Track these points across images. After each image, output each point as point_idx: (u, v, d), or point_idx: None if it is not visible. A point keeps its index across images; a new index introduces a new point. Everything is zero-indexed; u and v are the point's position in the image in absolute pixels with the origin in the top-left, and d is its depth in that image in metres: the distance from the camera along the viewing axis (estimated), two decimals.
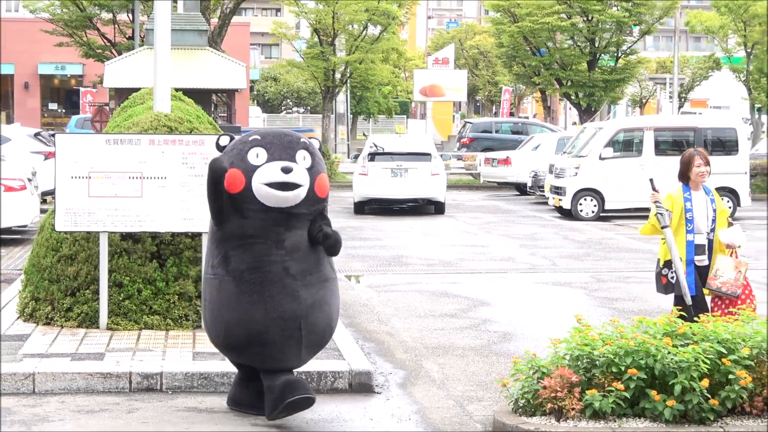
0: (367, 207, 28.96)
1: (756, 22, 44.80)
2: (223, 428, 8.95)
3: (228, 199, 8.66)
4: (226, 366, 10.03)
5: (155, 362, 10.30)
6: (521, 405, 8.84)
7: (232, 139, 8.96)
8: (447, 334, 13.00)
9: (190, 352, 10.75)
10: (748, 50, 46.34)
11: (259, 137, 8.85)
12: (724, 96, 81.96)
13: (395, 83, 65.73)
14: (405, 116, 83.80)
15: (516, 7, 44.45)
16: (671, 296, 14.97)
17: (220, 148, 8.90)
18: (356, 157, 41.73)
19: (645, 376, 8.54)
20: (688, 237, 10.59)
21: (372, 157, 28.86)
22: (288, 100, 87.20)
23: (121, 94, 29.30)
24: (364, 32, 46.25)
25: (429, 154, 28.86)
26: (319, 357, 10.28)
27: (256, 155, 8.65)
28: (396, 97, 79.36)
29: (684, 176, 10.91)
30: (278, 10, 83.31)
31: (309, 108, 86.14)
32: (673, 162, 28.83)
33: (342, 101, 58.49)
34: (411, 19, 72.19)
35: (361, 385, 10.16)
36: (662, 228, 10.47)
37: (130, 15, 41.44)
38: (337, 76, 46.32)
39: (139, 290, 11.76)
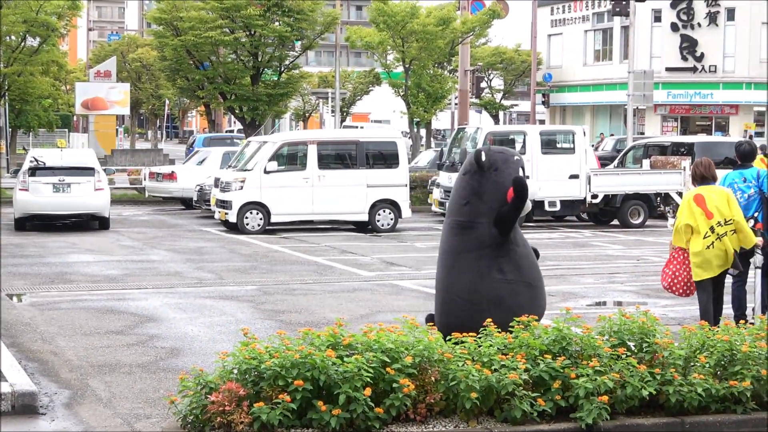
0: (29, 223, 28.11)
1: (413, 39, 46.30)
2: None
3: None
4: None
5: None
6: (190, 421, 8.80)
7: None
8: (113, 352, 12.80)
9: None
10: (406, 66, 47.84)
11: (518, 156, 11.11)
12: (384, 110, 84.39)
13: (56, 96, 64.05)
14: (67, 130, 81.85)
15: (179, 21, 44.18)
16: (341, 307, 15.45)
17: (481, 165, 10.67)
18: (16, 172, 40.40)
19: (311, 387, 8.67)
20: None
21: (33, 171, 28.06)
22: None
23: None
24: (23, 44, 44.88)
25: (92, 169, 28.33)
26: None
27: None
28: (57, 110, 77.39)
29: (712, 177, 13.05)
30: None
31: None
32: (337, 175, 29.50)
33: None
34: (72, 31, 70.51)
35: (25, 407, 9.86)
36: None
37: None
38: None
39: None
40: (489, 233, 10.58)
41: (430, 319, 10.96)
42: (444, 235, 10.89)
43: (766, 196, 13.68)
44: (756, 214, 13.71)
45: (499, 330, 9.69)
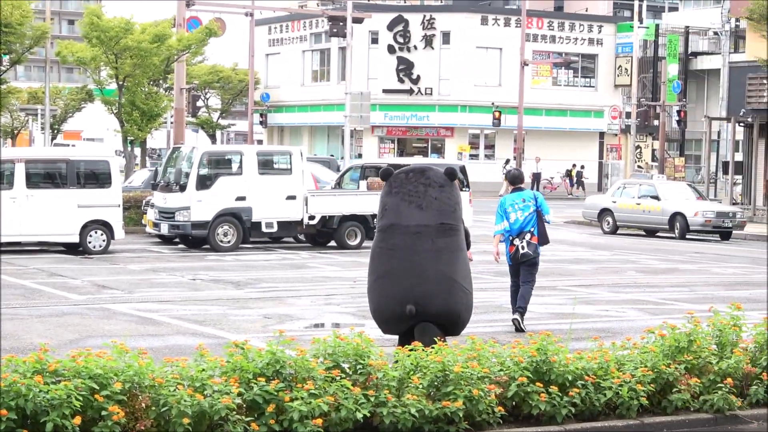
0: None
1: (127, 55, 45.67)
2: None
3: None
4: None
5: None
6: None
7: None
8: None
9: None
10: (120, 82, 47.10)
11: None
12: (97, 128, 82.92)
13: None
14: None
15: None
16: (49, 332, 15.05)
17: (455, 178, 13.12)
18: None
19: (16, 417, 8.42)
20: None
21: None
22: None
23: None
24: None
25: None
26: None
27: None
28: None
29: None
30: None
31: None
32: (46, 195, 28.60)
33: None
34: None
35: None
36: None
37: None
38: None
39: None
40: (464, 235, 13.11)
41: (412, 314, 12.50)
42: (432, 236, 12.68)
43: (542, 215, 16.65)
44: (533, 229, 16.57)
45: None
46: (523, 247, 16.53)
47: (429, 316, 12.46)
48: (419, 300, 12.49)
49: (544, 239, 16.78)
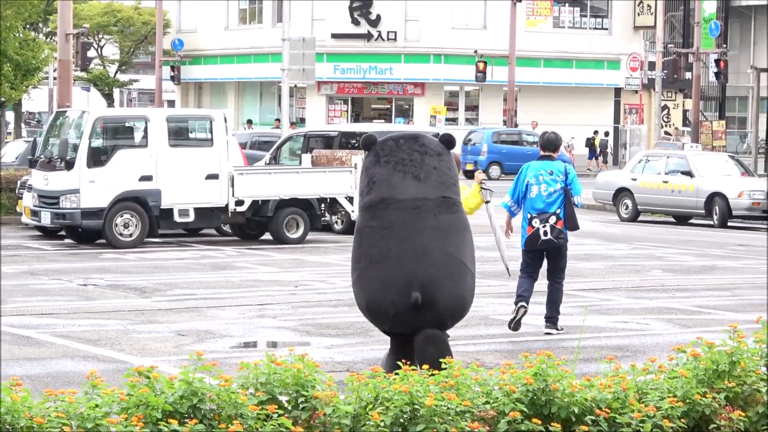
0: None
1: None
2: None
3: None
4: None
5: None
6: None
7: None
8: None
9: None
10: None
11: None
12: None
13: None
14: None
15: None
16: None
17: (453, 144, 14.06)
18: None
19: None
20: None
21: None
22: None
23: None
24: None
25: None
26: None
27: None
28: None
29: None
30: None
31: None
32: None
33: None
34: None
35: None
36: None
37: None
38: None
39: None
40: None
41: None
42: (434, 211, 13.45)
43: (571, 194, 17.09)
44: (558, 211, 17.00)
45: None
46: (545, 233, 17.11)
47: (435, 304, 13.00)
48: (425, 286, 13.05)
49: (572, 224, 17.31)
